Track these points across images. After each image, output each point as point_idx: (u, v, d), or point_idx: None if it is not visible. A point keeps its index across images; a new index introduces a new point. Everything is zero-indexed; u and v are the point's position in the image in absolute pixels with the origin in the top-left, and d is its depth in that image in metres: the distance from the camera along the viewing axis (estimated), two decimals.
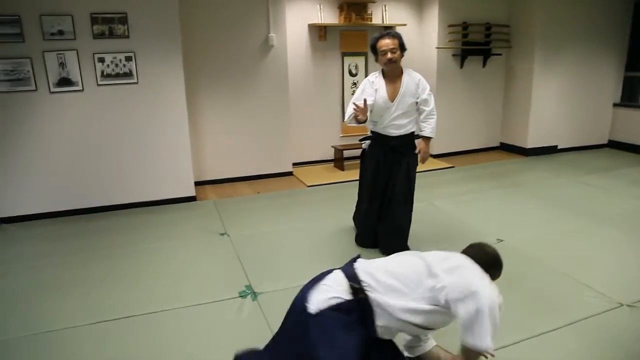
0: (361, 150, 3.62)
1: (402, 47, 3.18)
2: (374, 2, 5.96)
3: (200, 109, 5.26)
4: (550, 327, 2.55)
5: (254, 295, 2.97)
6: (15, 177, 4.32)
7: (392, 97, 3.21)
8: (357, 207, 3.78)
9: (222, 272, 3.31)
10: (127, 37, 4.38)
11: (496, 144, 7.03)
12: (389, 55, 3.12)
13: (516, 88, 6.63)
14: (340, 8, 5.88)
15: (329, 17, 5.88)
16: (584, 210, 4.35)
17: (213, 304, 2.89)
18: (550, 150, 6.67)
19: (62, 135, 4.37)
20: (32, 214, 4.42)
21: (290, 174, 5.74)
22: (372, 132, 3.47)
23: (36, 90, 4.22)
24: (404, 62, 3.27)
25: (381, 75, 3.26)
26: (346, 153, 5.95)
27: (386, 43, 3.12)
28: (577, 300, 2.82)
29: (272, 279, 3.17)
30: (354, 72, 6.14)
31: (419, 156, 3.43)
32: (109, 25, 4.32)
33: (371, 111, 3.23)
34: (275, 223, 4.24)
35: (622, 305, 2.75)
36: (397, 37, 3.15)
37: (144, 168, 4.68)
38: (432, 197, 4.78)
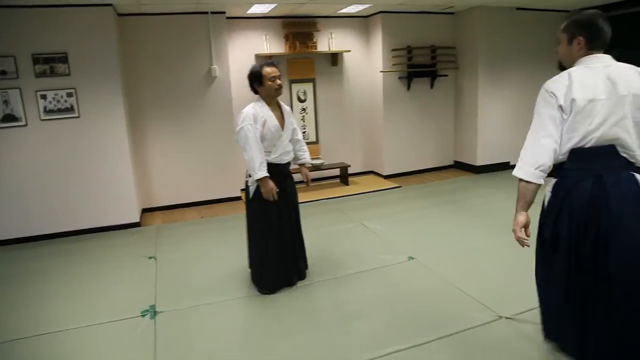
0: (246, 188, 3.33)
1: None
2: (318, 31, 6.23)
3: (146, 139, 5.52)
4: (430, 337, 2.68)
5: (154, 314, 3.14)
6: None
7: (282, 124, 3.29)
8: (264, 254, 3.32)
9: (134, 292, 3.49)
10: (68, 74, 4.68)
11: (450, 162, 7.17)
12: (278, 81, 3.18)
13: (464, 107, 6.81)
14: (286, 37, 6.16)
15: (275, 46, 6.16)
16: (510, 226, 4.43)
17: (114, 323, 3.07)
18: (502, 167, 6.78)
19: (7, 167, 4.64)
20: None
21: (238, 198, 5.93)
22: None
23: None
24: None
25: (265, 105, 3.22)
26: (295, 177, 6.09)
27: (273, 70, 3.15)
28: (464, 314, 2.93)
29: (178, 300, 3.34)
30: (302, 98, 6.38)
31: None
32: (50, 65, 4.63)
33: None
34: (207, 246, 4.42)
35: (501, 317, 2.86)
36: (277, 66, 3.24)
37: (88, 197, 4.92)
38: (365, 218, 4.93)
